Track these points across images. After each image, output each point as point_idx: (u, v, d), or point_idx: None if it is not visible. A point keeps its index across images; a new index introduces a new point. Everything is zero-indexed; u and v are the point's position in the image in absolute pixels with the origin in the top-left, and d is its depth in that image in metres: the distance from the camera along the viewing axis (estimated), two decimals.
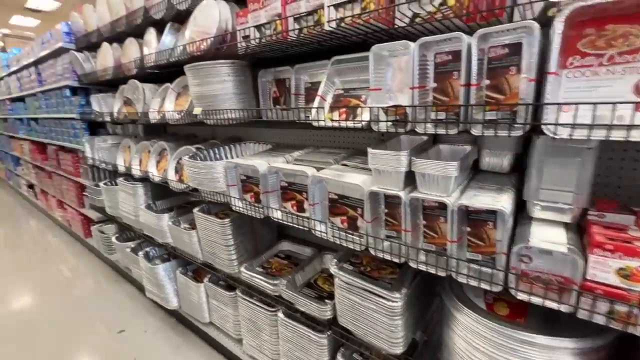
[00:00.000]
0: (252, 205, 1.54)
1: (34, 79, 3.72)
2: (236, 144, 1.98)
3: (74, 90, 3.10)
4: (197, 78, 1.60)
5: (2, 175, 7.45)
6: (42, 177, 4.47)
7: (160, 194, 2.43)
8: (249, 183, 1.55)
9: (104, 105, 2.70)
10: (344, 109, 1.18)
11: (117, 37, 2.38)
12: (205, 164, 1.62)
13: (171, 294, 2.24)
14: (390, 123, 1.00)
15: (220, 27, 1.51)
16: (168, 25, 1.94)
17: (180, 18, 1.90)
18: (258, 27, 1.30)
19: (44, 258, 3.58)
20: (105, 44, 2.46)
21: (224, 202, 1.67)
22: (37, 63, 3.65)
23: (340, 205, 1.23)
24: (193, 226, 2.01)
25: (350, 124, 1.10)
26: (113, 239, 2.77)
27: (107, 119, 2.57)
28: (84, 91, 3.11)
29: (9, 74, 4.60)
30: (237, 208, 1.60)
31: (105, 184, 2.73)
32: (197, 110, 1.65)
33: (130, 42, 2.24)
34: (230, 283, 1.90)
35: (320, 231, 1.27)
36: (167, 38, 1.92)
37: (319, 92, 1.26)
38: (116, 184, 2.57)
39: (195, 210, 1.89)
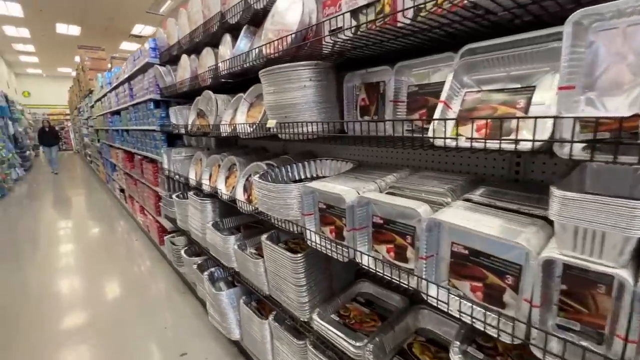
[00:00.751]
0: (333, 243, 1.21)
1: (127, 94, 4.04)
2: (311, 161, 1.69)
3: (157, 103, 3.21)
4: (272, 85, 1.35)
5: (103, 178, 8.56)
6: (130, 183, 4.86)
7: (229, 209, 2.27)
8: (329, 214, 1.22)
9: (180, 117, 2.69)
10: (486, 121, 0.77)
11: (195, 48, 2.33)
12: (277, 187, 1.35)
13: (234, 324, 2.03)
14: (592, 144, 0.57)
15: (303, 22, 1.24)
16: (243, 29, 1.76)
17: (258, 20, 1.71)
18: (354, 13, 0.98)
19: (127, 258, 3.80)
20: (184, 56, 2.44)
21: (297, 233, 1.38)
22: (129, 79, 3.95)
23: (473, 265, 0.81)
24: (260, 252, 1.76)
25: (507, 145, 0.69)
26: (182, 252, 2.72)
27: (182, 131, 2.54)
28: (165, 104, 3.20)
29: (111, 90, 5.17)
30: (313, 244, 1.29)
31: (177, 196, 2.71)
32: (271, 123, 1.40)
33: (207, 52, 2.14)
34: (299, 328, 1.59)
35: (437, 299, 0.87)
36: (242, 42, 1.73)
37: (442, 97, 0.87)
38: (187, 197, 2.51)
39: (264, 237, 1.64)
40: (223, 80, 1.92)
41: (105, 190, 7.98)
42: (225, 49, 1.91)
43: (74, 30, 11.07)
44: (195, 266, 2.45)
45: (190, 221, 2.43)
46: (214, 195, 2.16)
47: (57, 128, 19.31)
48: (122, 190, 5.97)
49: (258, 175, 1.53)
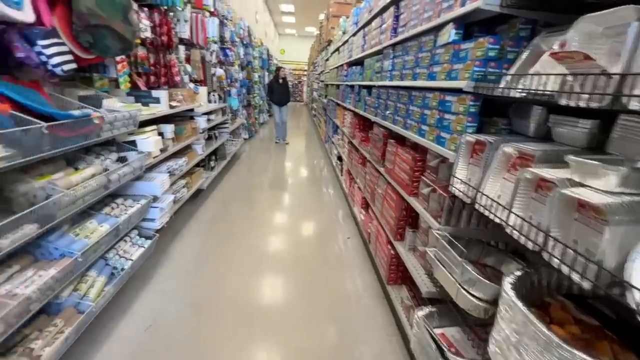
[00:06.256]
0: None
1: (386, 28, 2.56)
2: None
3: (468, 30, 1.46)
4: None
5: (322, 135, 8.42)
6: (354, 158, 3.69)
7: None
8: None
9: None
10: None
11: None
12: None
13: None
14: None
15: None
16: None
17: None
18: None
19: (335, 274, 2.66)
20: None
21: None
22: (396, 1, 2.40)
23: None
24: None
25: None
26: None
27: None
28: (485, 28, 1.40)
29: (355, 32, 3.98)
30: None
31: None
32: None
33: None
34: None
35: None
36: None
37: None
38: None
39: None
40: None
41: (321, 149, 7.76)
42: None
43: None
44: None
45: None
46: None
47: (295, 82, 22.60)
48: (339, 159, 5.12)
49: None
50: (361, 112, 3.40)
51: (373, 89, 2.94)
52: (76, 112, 1.66)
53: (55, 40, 1.60)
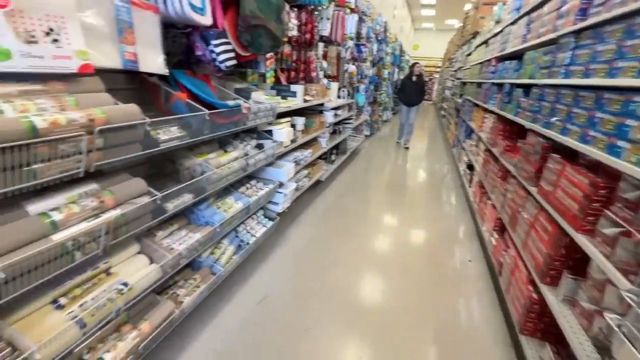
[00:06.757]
0: None
1: (568, 10, 1.99)
2: None
3: None
4: None
5: (451, 139, 7.62)
6: (491, 170, 3.13)
7: None
8: None
9: None
10: None
11: None
12: None
13: None
14: None
15: None
16: None
17: None
18: None
19: (449, 281, 2.32)
20: None
21: None
22: None
23: None
24: None
25: None
26: None
27: None
28: None
29: (514, 21, 3.32)
30: None
31: None
32: None
33: None
34: None
35: None
36: None
37: None
38: None
39: None
40: None
41: (447, 153, 7.04)
42: None
43: None
44: None
45: None
46: None
47: (426, 79, 20.97)
48: (470, 167, 4.49)
49: None
50: (509, 116, 2.82)
51: (533, 88, 2.37)
52: (230, 102, 1.90)
53: (224, 40, 1.86)
